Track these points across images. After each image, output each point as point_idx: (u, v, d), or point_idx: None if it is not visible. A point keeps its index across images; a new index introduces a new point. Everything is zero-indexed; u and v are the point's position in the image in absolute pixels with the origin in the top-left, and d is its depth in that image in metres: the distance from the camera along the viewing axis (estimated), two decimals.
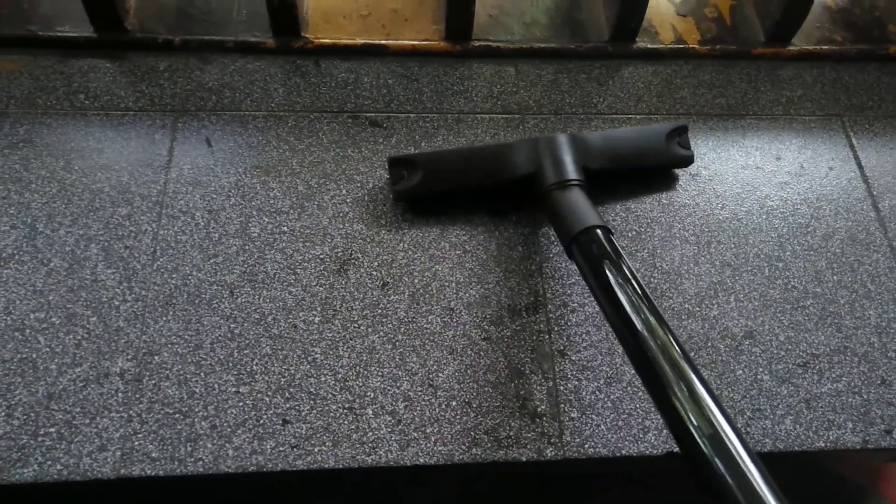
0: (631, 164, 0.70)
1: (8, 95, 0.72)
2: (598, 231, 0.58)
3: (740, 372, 0.62)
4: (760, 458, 0.43)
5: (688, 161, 0.72)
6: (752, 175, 0.74)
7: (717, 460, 0.42)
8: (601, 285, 0.54)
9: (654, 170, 0.72)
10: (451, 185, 0.67)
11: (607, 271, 0.54)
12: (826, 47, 0.83)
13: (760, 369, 0.62)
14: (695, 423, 0.44)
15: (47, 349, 0.59)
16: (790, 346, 0.64)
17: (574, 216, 0.59)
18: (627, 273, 0.54)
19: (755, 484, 0.41)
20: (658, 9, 0.85)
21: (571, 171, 0.64)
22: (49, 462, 0.54)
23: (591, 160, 0.67)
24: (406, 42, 0.79)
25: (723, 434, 0.43)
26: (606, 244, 0.57)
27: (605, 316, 0.54)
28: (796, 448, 0.59)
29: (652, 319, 0.50)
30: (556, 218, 0.61)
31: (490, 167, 0.67)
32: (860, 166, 0.76)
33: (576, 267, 0.60)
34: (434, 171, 0.67)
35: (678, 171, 0.73)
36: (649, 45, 0.81)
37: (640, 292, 0.52)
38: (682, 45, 0.82)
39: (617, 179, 0.71)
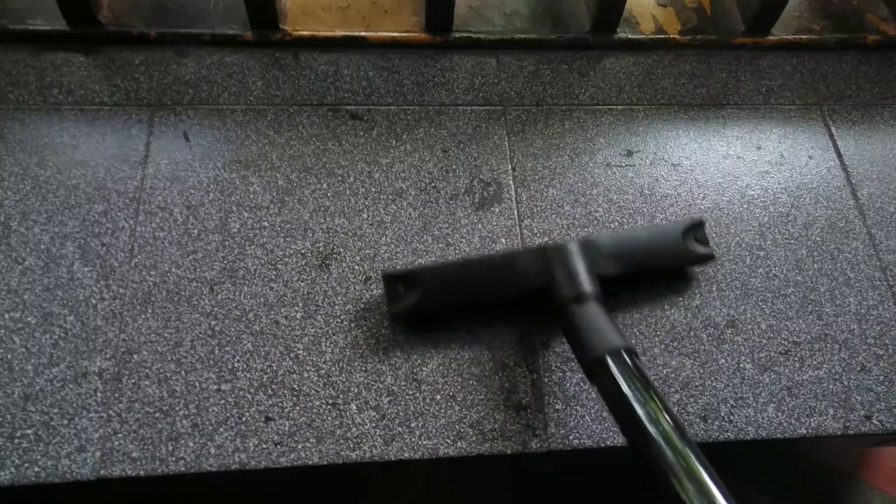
0: (647, 265, 0.64)
1: None
2: (623, 354, 0.53)
3: (723, 361, 0.63)
4: (743, 446, 0.43)
5: (707, 259, 0.66)
6: (733, 165, 0.74)
7: None
8: (627, 412, 0.50)
9: (671, 269, 0.67)
10: (454, 301, 0.61)
11: (633, 400, 0.50)
12: (805, 37, 0.84)
13: (743, 358, 0.63)
14: None
15: (23, 349, 0.58)
16: (772, 335, 0.64)
17: (595, 337, 0.54)
18: (653, 401, 0.50)
19: None
20: None
21: (586, 283, 0.58)
22: (26, 464, 0.53)
23: (605, 266, 0.61)
24: (386, 34, 0.78)
25: None
26: (631, 368, 0.52)
27: (628, 442, 0.51)
28: (778, 435, 0.59)
29: (686, 450, 0.47)
30: (575, 338, 0.56)
31: (497, 281, 0.60)
32: (839, 155, 0.76)
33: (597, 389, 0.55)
34: (433, 287, 0.60)
35: (659, 163, 0.73)
36: (630, 36, 0.81)
37: (669, 421, 0.49)
38: (662, 36, 0.82)
39: (633, 283, 0.66)
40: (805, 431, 0.60)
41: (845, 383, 0.62)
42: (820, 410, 0.61)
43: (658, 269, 0.66)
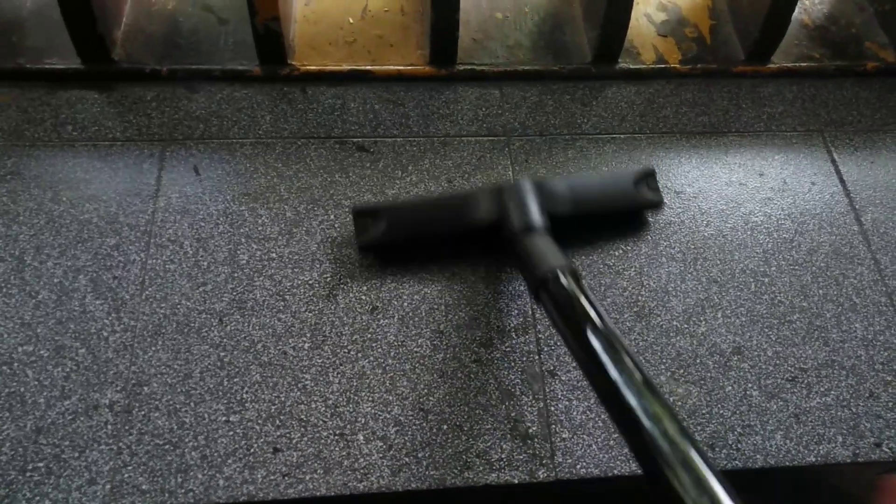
0: (598, 208, 0.69)
1: None
2: (560, 273, 0.56)
3: (729, 388, 0.62)
4: (751, 474, 0.43)
5: (657, 204, 0.71)
6: (736, 191, 0.75)
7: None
8: (569, 329, 0.52)
9: (622, 214, 0.71)
10: (415, 233, 0.66)
11: (573, 314, 0.52)
12: (805, 64, 0.85)
13: (749, 385, 0.63)
14: (666, 450, 0.43)
15: (35, 382, 0.59)
16: (778, 361, 0.64)
17: (539, 260, 0.58)
18: (594, 314, 0.52)
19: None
20: (639, 30, 0.86)
21: (536, 217, 0.63)
22: (37, 497, 0.54)
23: (557, 206, 0.66)
24: (391, 67, 0.80)
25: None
26: (571, 286, 0.55)
27: (575, 359, 0.53)
28: (787, 463, 0.59)
29: (627, 360, 0.48)
30: (522, 263, 0.60)
31: (455, 215, 0.66)
32: (842, 181, 0.77)
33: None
34: (398, 220, 0.66)
35: (664, 191, 0.74)
36: (631, 66, 0.83)
37: (608, 335, 0.50)
38: (663, 65, 0.83)
39: (586, 225, 0.70)
40: (814, 459, 0.60)
41: (854, 410, 0.62)
42: (829, 437, 0.61)
43: (610, 211, 0.70)
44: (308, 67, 0.79)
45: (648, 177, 0.72)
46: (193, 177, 0.71)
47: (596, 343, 0.49)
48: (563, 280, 0.55)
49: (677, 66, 0.83)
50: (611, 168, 0.71)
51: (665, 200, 0.72)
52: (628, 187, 0.70)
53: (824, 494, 0.74)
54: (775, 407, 0.62)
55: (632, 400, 0.46)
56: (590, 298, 0.54)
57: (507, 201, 0.64)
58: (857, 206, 0.75)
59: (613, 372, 0.47)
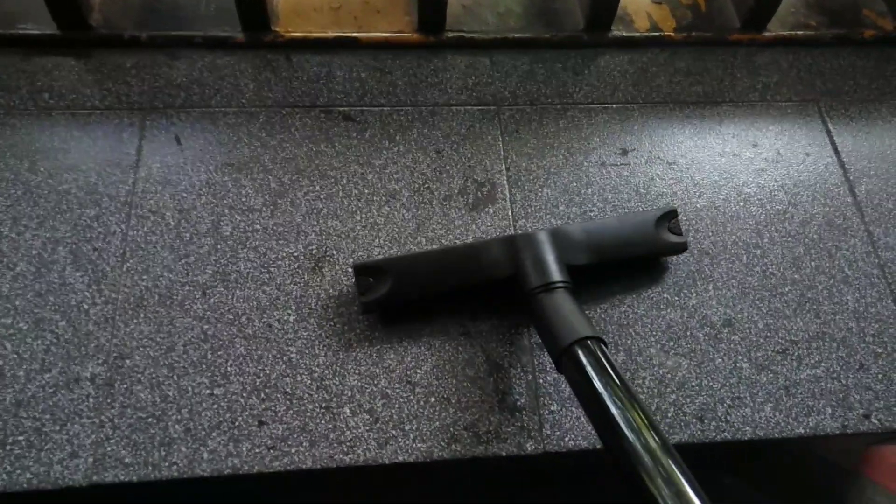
0: (618, 255, 0.64)
1: None
2: (590, 343, 0.52)
3: (720, 360, 0.62)
4: (740, 446, 0.41)
5: (680, 249, 0.65)
6: (730, 162, 0.74)
7: None
8: (595, 403, 0.49)
9: (644, 259, 0.66)
10: (424, 291, 0.61)
11: (600, 390, 0.49)
12: (801, 33, 0.83)
13: (740, 357, 0.62)
14: None
15: (15, 355, 0.58)
16: (769, 333, 0.64)
17: (562, 327, 0.54)
18: (621, 391, 0.49)
19: None
20: None
21: (555, 272, 0.58)
22: (18, 471, 0.53)
23: (575, 256, 0.61)
24: (378, 34, 0.77)
25: None
26: (600, 358, 0.51)
27: (598, 434, 0.50)
28: (776, 435, 0.59)
29: (652, 442, 0.46)
30: (543, 327, 0.56)
31: (465, 269, 0.61)
32: (836, 151, 0.76)
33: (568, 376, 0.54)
34: (405, 277, 0.60)
35: (654, 162, 0.73)
36: (625, 34, 0.81)
37: (638, 412, 0.48)
38: (657, 33, 0.81)
39: (605, 273, 0.65)
40: (803, 431, 0.60)
41: (843, 382, 0.62)
42: (818, 409, 0.60)
43: (630, 258, 0.65)
44: (293, 34, 0.76)
45: (671, 218, 0.66)
46: (175, 146, 0.69)
47: (619, 418, 0.47)
48: (587, 351, 0.52)
49: (671, 34, 0.81)
50: (631, 209, 0.66)
51: (688, 242, 0.67)
52: (649, 230, 0.65)
53: (813, 466, 0.74)
54: (765, 379, 0.61)
55: (653, 472, 0.44)
56: (616, 370, 0.51)
57: (522, 255, 0.59)
58: (851, 178, 0.74)
59: (637, 449, 0.45)
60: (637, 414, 0.47)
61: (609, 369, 0.50)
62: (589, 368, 0.50)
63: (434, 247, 0.66)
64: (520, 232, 0.64)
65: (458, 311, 0.62)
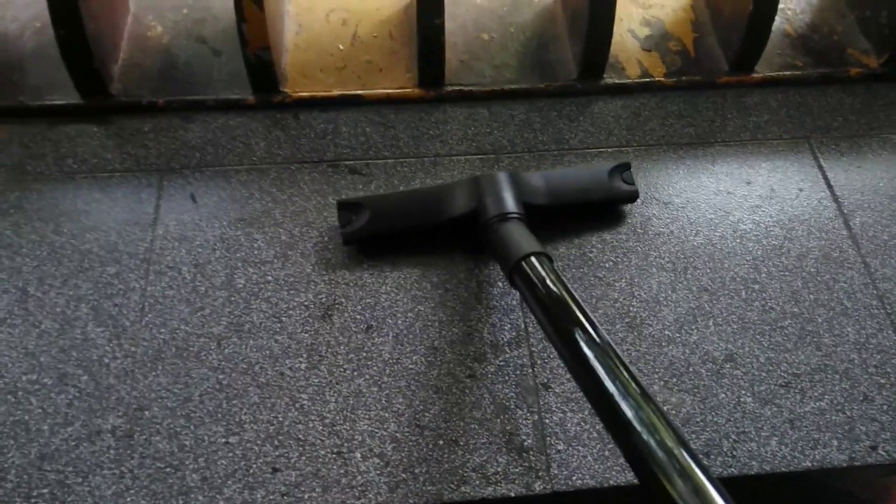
0: (573, 200, 0.71)
1: None
2: (534, 258, 0.58)
3: (723, 395, 0.63)
4: (749, 481, 0.42)
5: (633, 197, 0.73)
6: (724, 200, 0.76)
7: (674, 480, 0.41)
8: (543, 312, 0.54)
9: (598, 205, 0.73)
10: (397, 224, 0.69)
11: (547, 297, 0.55)
12: (788, 73, 0.86)
13: (743, 391, 0.63)
14: (657, 451, 0.43)
15: (39, 410, 0.60)
16: (771, 367, 0.65)
17: (512, 246, 0.60)
18: (566, 296, 0.54)
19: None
20: (623, 45, 0.88)
21: (511, 205, 0.65)
22: None
23: (532, 196, 0.68)
24: (381, 91, 0.82)
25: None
26: (544, 270, 0.57)
27: (551, 343, 0.55)
28: (783, 469, 0.59)
29: (596, 338, 0.50)
30: (496, 249, 0.63)
31: (434, 206, 0.69)
32: (829, 186, 0.78)
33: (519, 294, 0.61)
34: (380, 212, 0.69)
35: (650, 202, 0.75)
36: (617, 81, 0.84)
37: (582, 316, 0.52)
38: (648, 79, 0.85)
39: (562, 216, 0.72)
40: (810, 464, 0.60)
41: (848, 414, 0.62)
42: (824, 442, 0.61)
43: (586, 203, 0.72)
44: (300, 94, 0.81)
45: (624, 170, 0.74)
46: (190, 204, 0.73)
47: (575, 330, 0.51)
48: (537, 264, 0.57)
49: (662, 79, 0.85)
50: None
51: (640, 193, 0.74)
52: (603, 179, 0.72)
53: (831, 499, 0.74)
54: (769, 413, 0.62)
55: (606, 379, 0.47)
56: (563, 282, 0.56)
57: (484, 191, 0.67)
58: (845, 211, 0.76)
59: (592, 358, 0.49)
60: (580, 313, 0.51)
61: (552, 279, 0.55)
62: (535, 280, 0.56)
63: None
64: (483, 173, 0.73)
65: (462, 353, 0.64)
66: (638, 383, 0.46)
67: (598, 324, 0.51)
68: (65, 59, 0.75)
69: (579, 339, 0.50)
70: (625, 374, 0.47)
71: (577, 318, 0.51)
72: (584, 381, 0.49)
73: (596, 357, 0.48)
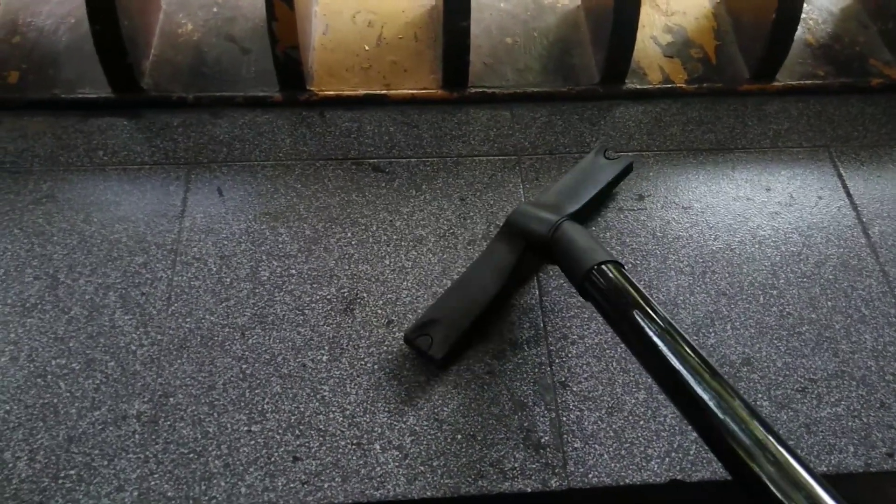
0: (590, 194, 0.72)
1: (32, 154, 0.77)
2: (605, 266, 0.56)
3: None
4: None
5: (627, 168, 0.75)
6: (744, 206, 0.76)
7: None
8: (622, 320, 0.52)
9: (612, 187, 0.75)
10: (473, 314, 0.64)
11: (624, 306, 0.53)
12: (810, 82, 0.87)
13: (760, 395, 0.64)
14: (753, 452, 0.42)
15: (68, 394, 0.61)
16: (788, 372, 0.65)
17: (580, 255, 0.58)
18: (643, 304, 0.52)
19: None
20: (646, 51, 0.89)
21: (551, 215, 0.66)
22: (69, 503, 0.56)
23: (561, 207, 0.69)
24: (406, 91, 0.83)
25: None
26: (617, 278, 0.55)
27: (632, 352, 0.53)
28: None
29: (684, 346, 0.48)
30: (563, 263, 0.61)
31: (493, 274, 0.66)
32: (849, 194, 0.78)
33: (590, 303, 0.59)
34: (452, 314, 0.64)
35: (670, 206, 0.76)
36: (638, 86, 0.85)
37: (664, 323, 0.50)
38: (670, 85, 0.85)
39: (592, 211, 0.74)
40: (826, 469, 0.60)
41: (865, 420, 0.63)
42: (840, 448, 0.61)
43: (600, 193, 0.73)
44: (326, 93, 0.82)
45: (605, 150, 0.76)
46: (217, 198, 0.74)
47: (651, 331, 0.50)
48: (608, 273, 0.56)
49: (683, 85, 0.85)
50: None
51: (632, 162, 0.76)
52: (597, 163, 0.75)
53: None
54: (786, 417, 0.63)
55: (695, 386, 0.46)
56: (637, 288, 0.54)
57: (521, 225, 0.66)
58: (864, 220, 0.76)
59: (672, 358, 0.48)
60: (661, 321, 0.50)
61: (627, 286, 0.54)
62: (610, 291, 0.55)
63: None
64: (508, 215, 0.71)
65: (482, 350, 0.65)
66: (727, 383, 0.46)
67: (679, 329, 0.50)
68: (99, 53, 0.77)
69: (661, 344, 0.49)
70: (711, 374, 0.46)
71: (661, 324, 0.50)
72: (668, 384, 0.48)
73: (681, 362, 0.47)
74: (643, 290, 0.54)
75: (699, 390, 0.46)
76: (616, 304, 0.53)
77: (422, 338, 0.63)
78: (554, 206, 0.69)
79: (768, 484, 0.41)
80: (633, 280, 0.55)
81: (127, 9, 0.76)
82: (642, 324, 0.51)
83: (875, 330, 0.68)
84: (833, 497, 0.40)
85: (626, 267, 0.58)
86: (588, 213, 0.73)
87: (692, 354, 0.48)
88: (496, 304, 0.66)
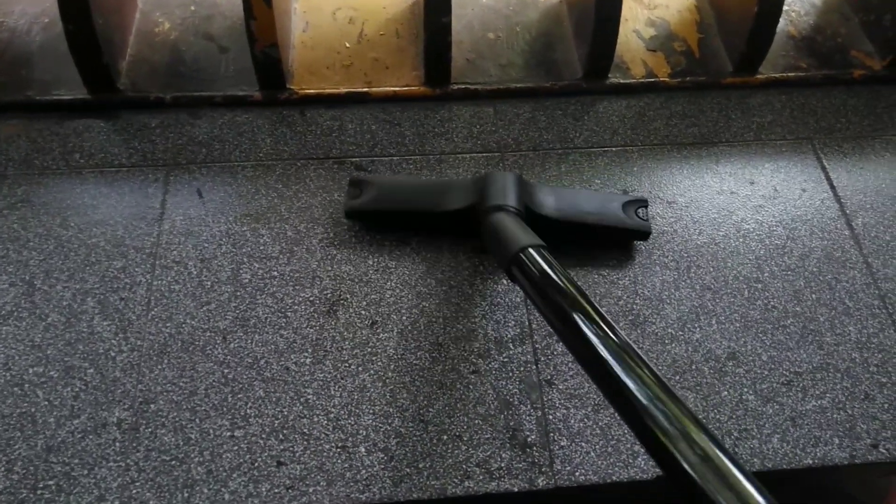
0: (580, 220, 0.69)
1: (6, 158, 0.75)
2: (533, 249, 0.57)
3: (725, 393, 0.63)
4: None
5: (644, 232, 0.70)
6: (728, 200, 0.76)
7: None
8: (547, 305, 0.54)
9: (607, 232, 0.70)
10: (398, 206, 0.70)
11: (548, 289, 0.54)
12: (792, 74, 0.86)
13: (745, 389, 0.64)
14: (676, 440, 0.42)
15: (46, 402, 0.60)
16: (773, 366, 0.65)
17: (512, 237, 0.59)
18: (568, 286, 0.53)
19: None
20: (629, 45, 0.88)
21: (511, 200, 0.65)
22: None
23: (537, 204, 0.67)
24: (388, 88, 0.82)
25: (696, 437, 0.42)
26: (544, 261, 0.56)
27: (556, 333, 0.56)
28: (784, 466, 0.60)
29: (607, 329, 0.49)
30: (494, 241, 0.61)
31: (438, 196, 0.70)
32: (832, 187, 0.78)
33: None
34: (387, 192, 0.70)
35: (655, 201, 0.76)
36: (621, 80, 0.85)
37: (587, 304, 0.52)
38: (653, 79, 0.85)
39: (570, 238, 0.69)
40: (811, 461, 0.60)
41: (849, 412, 0.63)
42: (825, 440, 0.61)
43: (591, 227, 0.69)
44: (306, 91, 0.81)
45: (640, 206, 0.71)
46: (197, 199, 0.73)
47: (576, 317, 0.50)
48: (536, 256, 0.57)
49: (667, 79, 0.85)
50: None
51: (652, 230, 0.71)
52: (616, 208, 0.70)
53: (833, 498, 0.74)
54: (771, 411, 0.63)
55: (616, 367, 0.46)
56: (564, 273, 0.55)
57: (487, 185, 0.67)
58: (847, 212, 0.76)
59: (596, 343, 0.49)
60: (585, 303, 0.51)
61: (556, 270, 0.55)
62: (535, 272, 0.56)
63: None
64: (493, 170, 0.73)
65: (467, 349, 0.65)
66: (651, 369, 0.46)
67: (602, 311, 0.51)
68: (73, 54, 0.75)
69: (585, 327, 0.50)
70: (636, 360, 0.47)
71: (584, 307, 0.51)
72: (592, 368, 0.49)
73: (603, 344, 0.48)
74: (568, 274, 0.55)
75: (619, 371, 0.46)
76: (541, 288, 0.55)
77: (353, 188, 0.71)
78: (532, 198, 0.68)
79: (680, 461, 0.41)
80: (557, 262, 0.56)
81: (101, 7, 0.74)
82: (563, 305, 0.52)
83: (859, 322, 0.68)
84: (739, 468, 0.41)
85: (548, 250, 0.58)
86: (562, 234, 0.68)
87: (613, 336, 0.49)
88: (420, 220, 0.71)
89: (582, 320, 0.50)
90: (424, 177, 0.76)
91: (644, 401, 0.44)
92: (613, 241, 0.72)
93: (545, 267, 0.55)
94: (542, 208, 0.68)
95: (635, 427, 0.45)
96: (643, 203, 0.72)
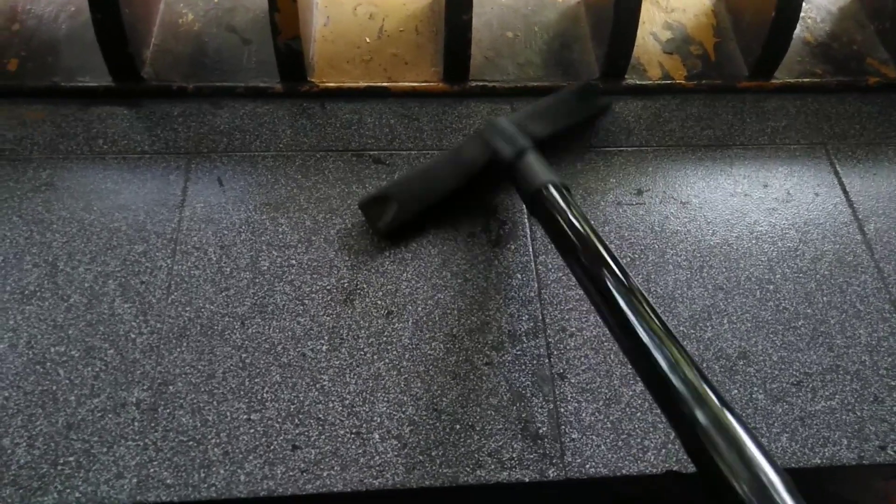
0: (565, 122, 0.78)
1: (32, 142, 0.76)
2: (552, 185, 0.64)
3: (736, 392, 0.64)
4: None
5: (606, 107, 0.82)
6: (741, 202, 0.77)
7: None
8: (562, 238, 0.61)
9: (588, 121, 0.81)
10: (426, 201, 0.72)
11: (564, 225, 0.61)
12: (808, 80, 0.87)
13: (755, 389, 0.64)
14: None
15: (67, 381, 0.61)
16: (783, 366, 0.66)
17: (533, 176, 0.66)
18: (582, 224, 0.60)
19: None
20: (646, 48, 0.89)
21: (521, 139, 0.70)
22: (68, 490, 0.56)
23: (533, 129, 0.73)
24: (407, 84, 0.83)
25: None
26: (563, 197, 0.63)
27: (569, 269, 0.61)
28: (793, 465, 0.60)
29: (613, 266, 0.56)
30: (517, 182, 0.68)
31: (453, 171, 0.72)
32: (845, 191, 0.79)
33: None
34: (406, 197, 0.71)
35: (669, 201, 0.76)
36: (638, 82, 0.85)
37: (597, 242, 0.58)
38: (669, 81, 0.86)
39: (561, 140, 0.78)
40: (819, 461, 0.61)
41: (858, 414, 0.63)
42: (834, 440, 0.62)
43: (576, 123, 0.80)
44: (327, 84, 0.82)
45: (589, 90, 0.81)
46: (217, 188, 0.74)
47: (594, 257, 0.57)
48: (554, 192, 0.64)
49: (683, 81, 0.86)
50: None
51: (613, 104, 0.82)
52: (576, 97, 0.81)
53: (831, 501, 0.74)
54: (781, 410, 0.63)
55: (629, 312, 0.52)
56: (580, 210, 0.62)
57: (492, 138, 0.71)
58: (860, 217, 0.77)
59: (608, 279, 0.54)
60: (597, 241, 0.58)
61: (571, 207, 0.62)
62: (556, 206, 0.63)
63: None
64: (482, 125, 0.76)
65: (481, 341, 0.66)
66: (656, 314, 0.51)
67: (614, 252, 0.58)
68: (100, 42, 0.76)
69: (599, 267, 0.56)
70: (644, 305, 0.52)
71: (596, 246, 0.58)
72: (603, 307, 0.54)
73: (614, 284, 0.54)
74: (584, 212, 0.62)
75: (629, 311, 0.52)
76: (558, 224, 0.61)
77: (370, 210, 0.71)
78: (526, 129, 0.73)
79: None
80: (576, 202, 0.64)
81: None
82: (577, 243, 0.59)
83: (869, 325, 0.69)
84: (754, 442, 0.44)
85: (570, 190, 0.66)
86: (556, 142, 0.78)
87: (624, 280, 0.54)
88: (450, 200, 0.72)
89: (595, 259, 0.57)
90: (423, 162, 0.78)
91: (650, 344, 0.50)
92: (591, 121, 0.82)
93: (563, 206, 0.62)
94: (539, 129, 0.74)
95: (641, 370, 0.50)
96: (593, 88, 0.82)
